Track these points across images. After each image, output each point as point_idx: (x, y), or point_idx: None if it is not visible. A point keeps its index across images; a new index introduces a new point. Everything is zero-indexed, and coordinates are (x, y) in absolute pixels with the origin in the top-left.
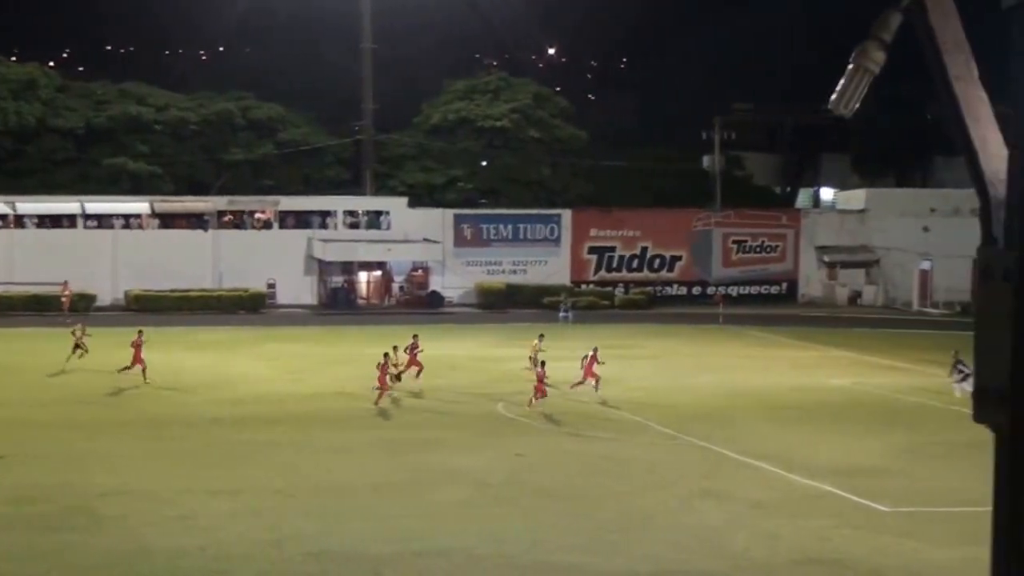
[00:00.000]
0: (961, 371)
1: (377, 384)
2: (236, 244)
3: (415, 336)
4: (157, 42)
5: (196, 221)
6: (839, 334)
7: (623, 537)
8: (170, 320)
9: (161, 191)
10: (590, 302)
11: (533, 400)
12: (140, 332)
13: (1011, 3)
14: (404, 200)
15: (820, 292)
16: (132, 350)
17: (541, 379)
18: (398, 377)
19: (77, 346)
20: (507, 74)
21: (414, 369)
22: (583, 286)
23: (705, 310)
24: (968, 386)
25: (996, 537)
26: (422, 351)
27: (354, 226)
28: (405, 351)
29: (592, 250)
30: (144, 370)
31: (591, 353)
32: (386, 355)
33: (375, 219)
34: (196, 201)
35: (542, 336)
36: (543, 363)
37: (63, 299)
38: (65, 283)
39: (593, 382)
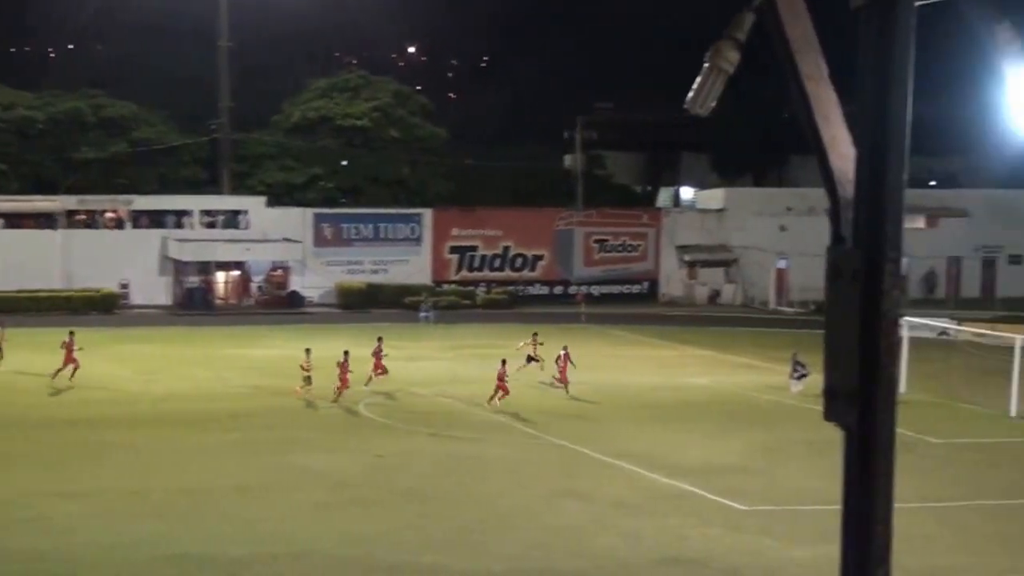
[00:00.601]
0: (798, 369)
1: (338, 383)
2: (87, 244)
3: (379, 339)
4: (2, 39)
5: (44, 221)
6: (699, 333)
7: (484, 537)
8: (19, 321)
9: (7, 190)
10: (452, 302)
11: (496, 400)
12: (71, 333)
13: (859, 3)
14: (263, 199)
15: (680, 291)
16: (63, 351)
17: (502, 377)
18: (308, 380)
19: None
20: (367, 72)
21: (379, 372)
22: (445, 286)
23: (567, 309)
24: (802, 384)
25: (846, 535)
26: (387, 355)
27: (211, 226)
28: (372, 355)
29: (453, 249)
30: (75, 370)
31: (562, 353)
32: (346, 353)
33: (233, 219)
34: (44, 200)
35: (536, 334)
36: (504, 361)
37: None
38: None
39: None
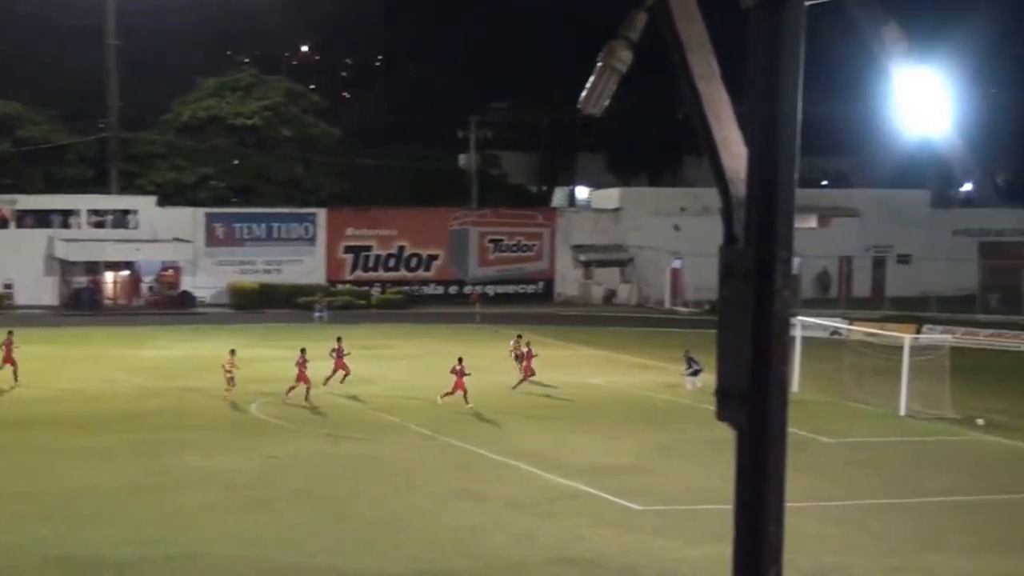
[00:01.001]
0: (691, 365)
1: (297, 381)
2: None
3: (339, 339)
4: None
5: None
6: (594, 333)
7: (377, 538)
8: None
9: None
10: (346, 302)
11: (446, 397)
12: (10, 333)
13: (750, 3)
14: (153, 199)
15: (576, 291)
16: (2, 350)
17: (459, 373)
18: (232, 380)
19: None
20: (259, 71)
21: (341, 373)
22: (339, 286)
23: (462, 309)
24: (698, 380)
25: (738, 534)
26: (348, 354)
27: (100, 225)
28: (332, 353)
29: (348, 249)
30: (15, 371)
31: (526, 351)
32: (303, 350)
33: (122, 218)
34: None
35: (520, 336)
36: (460, 359)
37: None
38: None
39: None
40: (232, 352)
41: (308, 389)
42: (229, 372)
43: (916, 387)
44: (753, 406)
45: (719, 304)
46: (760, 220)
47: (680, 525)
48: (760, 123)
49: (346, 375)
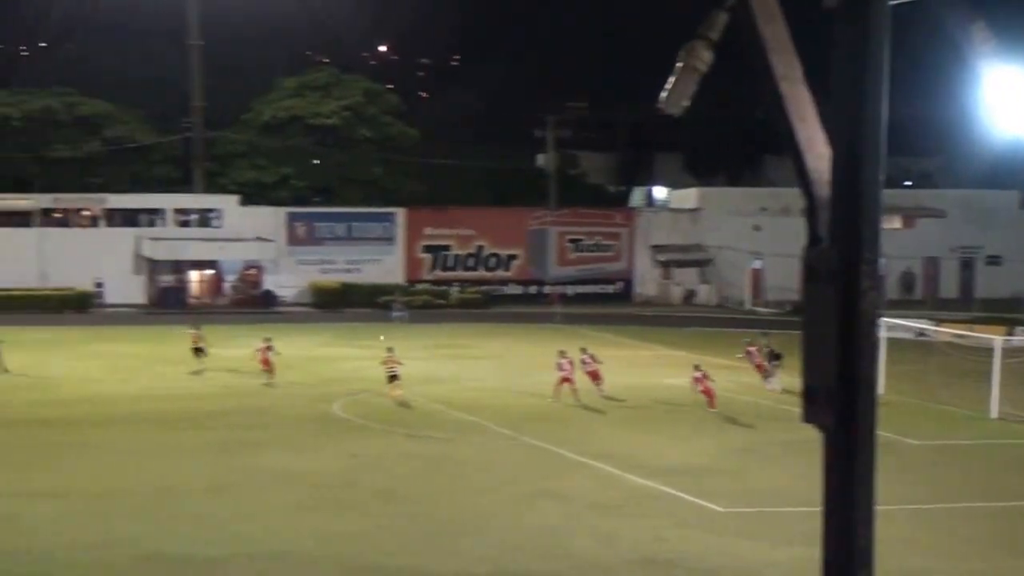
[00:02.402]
0: (773, 362)
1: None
2: (62, 242)
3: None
4: None
5: (19, 219)
6: (674, 333)
7: (459, 538)
8: None
9: None
10: (425, 301)
11: (561, 390)
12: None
13: (833, 3)
14: (236, 198)
15: (655, 291)
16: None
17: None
18: (394, 378)
19: None
20: (338, 71)
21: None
22: (418, 285)
23: (541, 309)
24: (777, 382)
25: (827, 537)
26: (277, 352)
27: (184, 224)
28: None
29: (427, 249)
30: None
31: (585, 357)
32: (266, 339)
33: (206, 217)
34: (18, 198)
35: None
36: (561, 351)
37: None
38: None
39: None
40: (390, 350)
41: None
42: (391, 369)
43: (1008, 390)
44: (841, 407)
45: (803, 305)
46: (845, 221)
47: (763, 527)
48: (845, 123)
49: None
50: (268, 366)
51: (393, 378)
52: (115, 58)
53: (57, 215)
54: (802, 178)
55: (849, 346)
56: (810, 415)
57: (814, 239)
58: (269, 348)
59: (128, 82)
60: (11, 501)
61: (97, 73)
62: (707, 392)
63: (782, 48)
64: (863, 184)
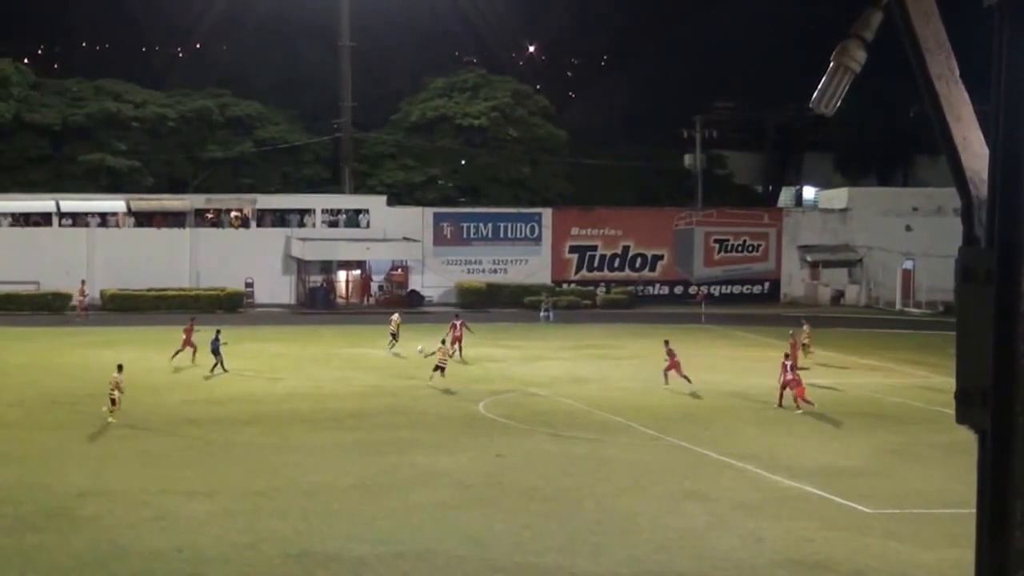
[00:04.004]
0: None
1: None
2: (214, 243)
3: (192, 319)
4: (132, 39)
5: (173, 219)
6: (821, 334)
7: (605, 538)
8: (147, 320)
9: (140, 188)
10: (571, 301)
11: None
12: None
13: (991, 1)
14: (383, 198)
15: (803, 291)
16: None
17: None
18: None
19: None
20: (486, 72)
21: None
22: (564, 285)
23: (687, 310)
24: None
25: (980, 539)
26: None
27: (333, 225)
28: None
29: (573, 249)
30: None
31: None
32: (218, 332)
33: (354, 218)
34: (173, 199)
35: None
36: (786, 355)
37: (79, 300)
38: (82, 283)
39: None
40: (443, 342)
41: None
42: (442, 360)
43: None
44: (997, 409)
45: (957, 306)
46: (1004, 221)
47: (913, 529)
48: (1004, 123)
49: (194, 352)
50: (186, 346)
51: (440, 369)
52: (267, 59)
53: (209, 215)
54: (958, 178)
55: (1007, 346)
56: (964, 416)
57: (970, 239)
58: (192, 329)
59: (280, 83)
60: (163, 499)
61: (250, 74)
62: (673, 366)
63: (938, 47)
64: (1023, 183)
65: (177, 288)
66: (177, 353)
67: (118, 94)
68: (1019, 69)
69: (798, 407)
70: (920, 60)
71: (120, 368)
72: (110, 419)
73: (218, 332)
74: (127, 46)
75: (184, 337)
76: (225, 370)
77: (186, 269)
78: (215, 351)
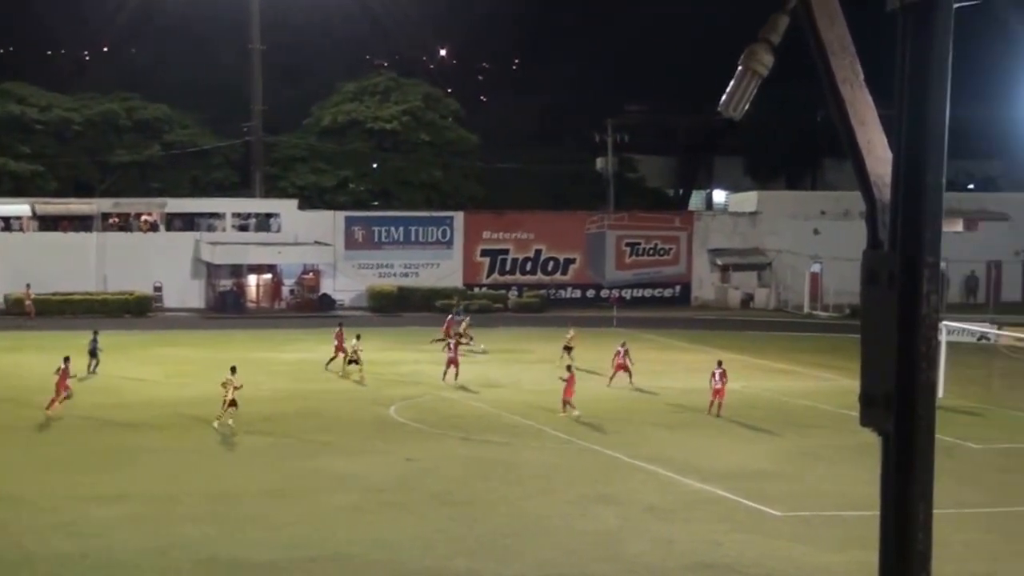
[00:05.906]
0: None
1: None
2: (122, 247)
3: (340, 324)
4: (39, 42)
5: (80, 223)
6: (731, 337)
7: (516, 542)
8: (53, 324)
9: (44, 192)
10: (483, 305)
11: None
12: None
13: (896, 5)
14: (294, 202)
15: (713, 295)
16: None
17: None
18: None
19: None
20: (397, 75)
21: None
22: (476, 289)
23: (599, 313)
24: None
25: (884, 541)
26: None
27: (243, 228)
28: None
29: (485, 252)
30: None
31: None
32: (66, 359)
33: (265, 221)
34: (80, 203)
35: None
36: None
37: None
38: (27, 287)
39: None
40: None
41: (53, 401)
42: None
43: None
44: (900, 411)
45: (862, 309)
46: (906, 224)
47: (820, 531)
48: (907, 127)
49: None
50: (339, 352)
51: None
52: (177, 63)
53: (117, 219)
54: (863, 181)
55: (909, 350)
56: (868, 419)
57: (874, 242)
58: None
59: (189, 86)
60: (71, 505)
61: (159, 78)
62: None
63: (843, 51)
64: (925, 187)
65: (84, 292)
66: (331, 360)
67: (22, 97)
68: (922, 73)
69: (563, 410)
70: (825, 64)
71: (233, 370)
72: (229, 421)
73: (95, 334)
74: (33, 50)
75: (336, 343)
76: (95, 372)
77: (93, 273)
78: (92, 352)
